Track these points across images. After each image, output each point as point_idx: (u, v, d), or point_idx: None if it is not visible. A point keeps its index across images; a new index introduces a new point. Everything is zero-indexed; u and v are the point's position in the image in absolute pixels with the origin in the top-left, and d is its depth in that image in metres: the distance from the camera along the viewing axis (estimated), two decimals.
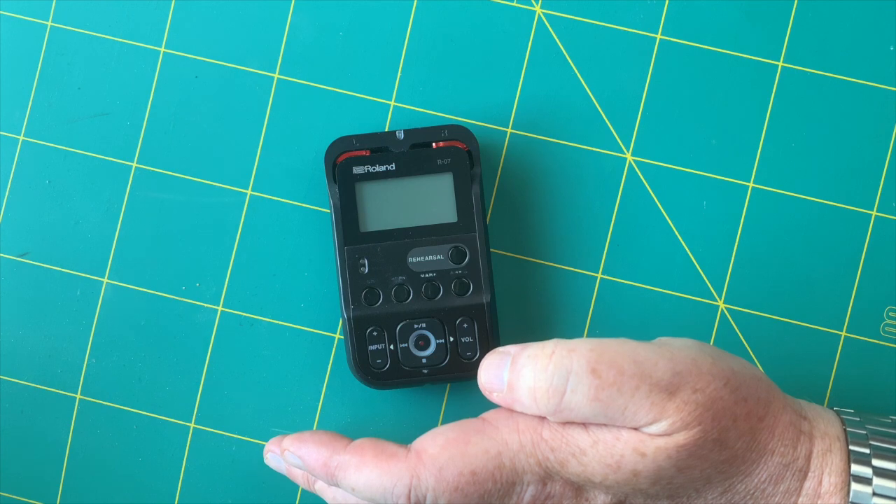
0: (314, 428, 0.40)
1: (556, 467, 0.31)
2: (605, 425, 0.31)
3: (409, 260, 0.37)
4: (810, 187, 0.39)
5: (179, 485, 0.40)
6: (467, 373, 0.37)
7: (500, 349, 0.33)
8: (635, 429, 0.31)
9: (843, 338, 0.39)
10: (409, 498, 0.32)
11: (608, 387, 0.30)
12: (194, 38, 0.40)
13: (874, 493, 0.31)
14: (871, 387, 0.39)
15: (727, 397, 0.31)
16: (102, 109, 0.40)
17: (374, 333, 0.37)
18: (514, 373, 0.32)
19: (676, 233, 0.39)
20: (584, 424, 0.32)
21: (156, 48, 0.40)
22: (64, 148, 0.40)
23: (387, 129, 0.39)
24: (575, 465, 0.31)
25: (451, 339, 0.37)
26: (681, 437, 0.30)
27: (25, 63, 0.40)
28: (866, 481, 0.31)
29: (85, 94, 0.40)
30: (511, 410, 0.33)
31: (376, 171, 0.37)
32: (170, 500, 0.39)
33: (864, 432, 0.32)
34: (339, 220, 0.37)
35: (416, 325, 0.37)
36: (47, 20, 0.40)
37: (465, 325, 0.37)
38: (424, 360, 0.37)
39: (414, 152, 0.37)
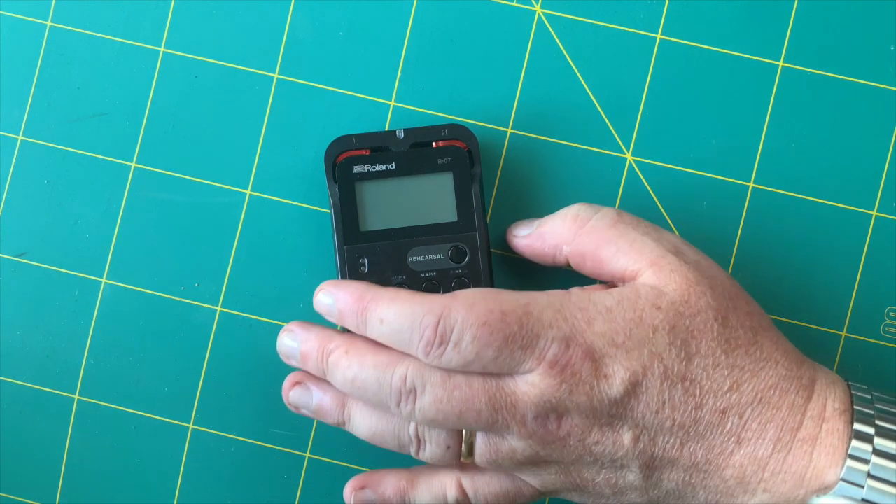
0: (313, 429, 0.39)
1: (582, 326, 0.32)
2: (625, 284, 0.33)
3: (409, 259, 0.37)
4: (810, 187, 0.39)
5: (178, 486, 0.39)
6: None
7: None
8: (652, 286, 0.33)
9: (843, 338, 0.39)
10: (436, 329, 0.32)
11: (627, 223, 0.34)
12: (194, 37, 0.40)
13: (876, 433, 0.31)
14: (871, 387, 0.39)
15: (730, 287, 0.34)
16: (102, 109, 0.40)
17: None
18: (542, 221, 0.37)
19: (676, 233, 0.39)
20: (607, 288, 0.34)
21: (155, 48, 0.40)
22: (63, 148, 0.40)
23: (387, 129, 0.39)
24: (601, 322, 0.32)
25: None
26: (688, 295, 0.32)
27: (25, 63, 0.40)
28: (869, 419, 0.32)
29: (84, 93, 0.40)
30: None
31: (376, 171, 0.37)
32: (168, 500, 0.39)
33: (866, 387, 0.34)
34: (339, 220, 0.37)
35: None
36: (47, 20, 0.40)
37: None
38: None
39: (414, 151, 0.37)
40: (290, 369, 0.39)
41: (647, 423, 0.32)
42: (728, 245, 0.39)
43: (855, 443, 0.31)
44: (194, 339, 0.39)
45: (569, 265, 0.36)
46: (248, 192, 0.40)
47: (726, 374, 0.32)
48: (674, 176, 0.39)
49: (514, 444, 0.33)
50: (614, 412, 0.32)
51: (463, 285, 0.36)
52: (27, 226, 0.40)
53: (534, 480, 0.34)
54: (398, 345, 0.33)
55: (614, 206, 0.39)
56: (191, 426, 0.39)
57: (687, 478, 0.33)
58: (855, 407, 0.32)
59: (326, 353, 0.34)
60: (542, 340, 0.32)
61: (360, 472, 0.39)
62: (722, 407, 0.32)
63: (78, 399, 0.40)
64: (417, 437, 0.34)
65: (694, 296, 0.32)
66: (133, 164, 0.40)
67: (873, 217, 0.39)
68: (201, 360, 0.40)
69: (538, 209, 0.39)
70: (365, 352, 0.34)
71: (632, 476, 0.33)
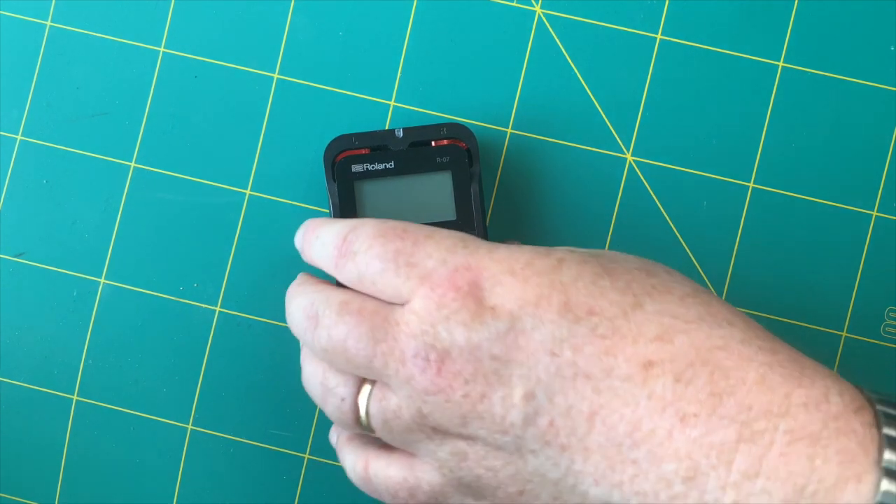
0: (312, 430, 0.39)
1: (481, 254, 0.27)
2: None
3: None
4: (811, 187, 0.39)
5: (177, 487, 0.39)
6: None
7: None
8: None
9: (843, 338, 0.39)
10: (345, 239, 0.30)
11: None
12: (194, 37, 0.40)
13: None
14: (871, 388, 0.38)
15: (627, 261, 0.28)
16: (101, 109, 0.40)
17: None
18: None
19: (676, 233, 0.39)
20: None
21: (155, 48, 0.40)
22: (62, 148, 0.40)
23: (386, 129, 0.39)
24: (503, 251, 0.27)
25: None
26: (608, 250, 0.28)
27: (24, 62, 0.40)
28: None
29: (84, 93, 0.40)
30: None
31: (375, 170, 0.36)
32: (168, 501, 0.39)
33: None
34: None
35: None
36: (46, 20, 0.40)
37: None
38: None
39: (413, 150, 0.37)
40: (289, 372, 0.39)
41: (542, 371, 0.25)
42: (728, 245, 0.39)
43: (890, 454, 0.22)
44: (193, 339, 0.39)
45: None
46: (248, 192, 0.40)
47: (651, 318, 0.24)
48: (674, 176, 0.39)
49: (399, 398, 0.27)
50: (497, 352, 0.25)
51: None
52: (25, 226, 0.40)
53: (430, 469, 0.28)
54: (328, 264, 0.31)
55: (614, 206, 0.39)
56: (190, 427, 0.39)
57: (607, 471, 0.23)
58: (878, 407, 0.23)
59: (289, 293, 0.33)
60: (431, 261, 0.27)
61: None
62: (646, 357, 0.24)
63: (76, 400, 0.39)
64: (322, 384, 0.30)
65: (613, 253, 0.28)
66: (132, 164, 0.40)
67: (873, 217, 0.39)
68: (200, 360, 0.39)
69: (538, 209, 0.39)
70: (306, 285, 0.32)
71: (534, 461, 0.25)
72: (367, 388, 0.29)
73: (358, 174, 0.36)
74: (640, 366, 0.24)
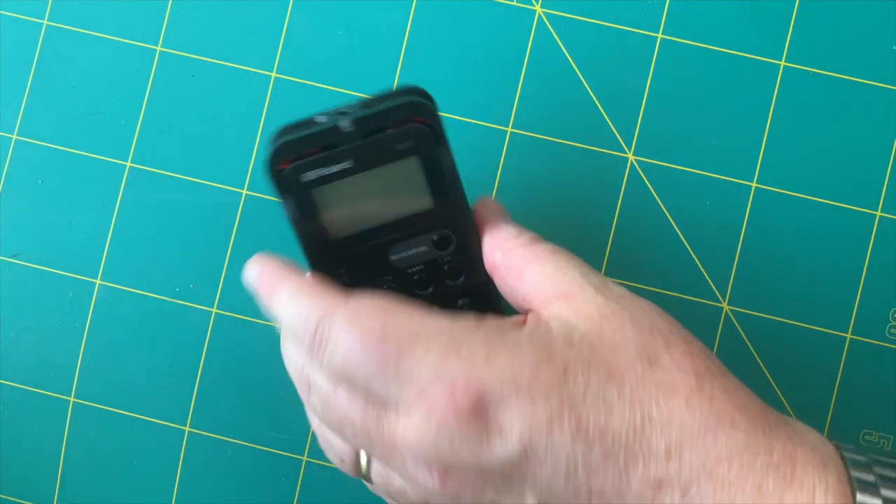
0: (310, 432, 0.39)
1: (479, 364, 0.26)
2: (536, 322, 0.27)
3: (392, 258, 0.32)
4: (813, 187, 0.39)
5: (175, 489, 0.39)
6: None
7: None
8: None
9: (848, 340, 0.38)
10: (315, 332, 0.27)
11: (564, 255, 0.29)
12: (191, 36, 0.39)
13: None
14: (876, 390, 0.38)
15: (661, 322, 0.27)
16: (97, 108, 0.39)
17: None
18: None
19: (679, 233, 0.39)
20: (519, 324, 0.28)
21: (152, 47, 0.39)
22: (58, 147, 0.39)
23: (326, 118, 0.36)
24: (504, 358, 0.26)
25: None
26: (602, 326, 0.26)
27: (20, 61, 0.39)
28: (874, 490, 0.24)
29: (80, 92, 0.39)
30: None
31: (331, 173, 0.30)
32: (165, 503, 0.39)
33: (864, 458, 0.26)
34: (303, 235, 0.32)
35: None
36: (43, 19, 0.40)
37: (468, 305, 0.33)
38: None
39: (369, 141, 0.30)
40: (287, 373, 0.39)
41: (557, 492, 0.25)
42: (731, 246, 0.39)
43: None
44: (190, 340, 0.39)
45: (492, 272, 0.31)
46: (245, 191, 0.39)
47: (660, 432, 0.25)
48: (676, 176, 0.39)
49: (402, 483, 0.27)
50: (510, 473, 0.25)
51: (455, 273, 0.32)
52: (21, 226, 0.39)
53: None
54: (298, 347, 0.28)
55: (616, 206, 0.39)
56: (187, 429, 0.39)
57: None
58: (859, 499, 0.24)
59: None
60: (423, 377, 0.25)
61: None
62: (656, 477, 0.24)
63: (73, 401, 0.39)
64: (321, 435, 0.30)
65: (609, 328, 0.26)
66: (128, 164, 0.39)
67: (877, 217, 0.38)
68: (197, 362, 0.39)
69: (538, 209, 0.39)
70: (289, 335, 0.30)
71: None
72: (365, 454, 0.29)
73: (312, 182, 0.31)
74: (652, 486, 0.24)
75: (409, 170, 0.31)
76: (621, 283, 0.36)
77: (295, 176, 0.30)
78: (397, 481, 0.27)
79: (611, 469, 0.25)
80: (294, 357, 0.29)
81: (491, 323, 0.27)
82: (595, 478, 0.25)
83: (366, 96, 0.31)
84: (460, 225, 0.32)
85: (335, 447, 0.29)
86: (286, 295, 0.29)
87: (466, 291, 0.33)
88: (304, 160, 0.30)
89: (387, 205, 0.31)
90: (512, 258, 0.30)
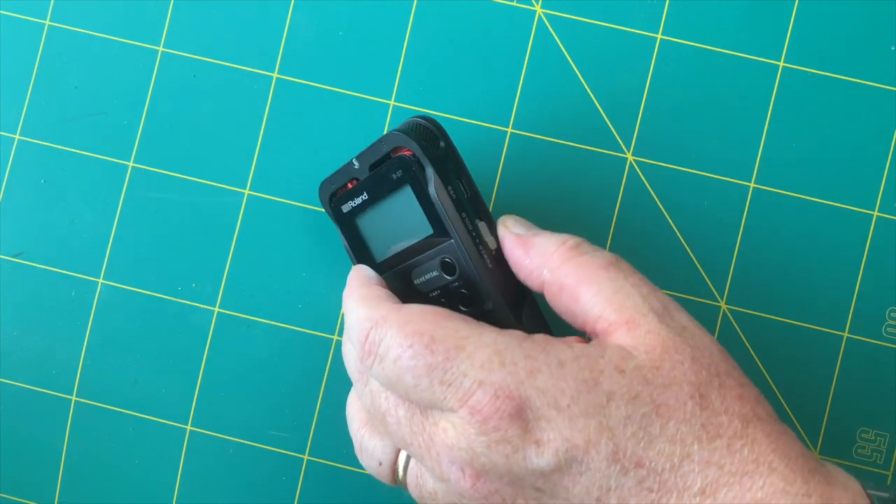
0: (311, 431, 0.39)
1: (521, 376, 0.26)
2: (590, 344, 0.28)
3: (415, 282, 0.34)
4: (811, 187, 0.39)
5: (176, 487, 0.39)
6: None
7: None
8: (621, 346, 0.27)
9: (845, 339, 0.39)
10: (366, 338, 0.29)
11: (622, 269, 0.29)
12: (193, 37, 0.40)
13: None
14: (873, 388, 0.38)
15: (720, 361, 0.27)
16: (99, 109, 0.40)
17: None
18: (537, 231, 0.32)
19: (678, 233, 0.39)
20: (569, 343, 0.28)
21: (154, 47, 0.40)
22: (60, 147, 0.40)
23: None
24: (546, 377, 0.26)
25: None
26: (661, 361, 0.26)
27: (23, 62, 0.40)
28: None
29: (82, 93, 0.40)
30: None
31: (358, 204, 0.35)
32: (167, 502, 0.39)
33: (888, 495, 0.27)
34: (356, 258, 0.36)
35: None
36: (45, 19, 0.40)
37: None
38: None
39: (373, 175, 0.34)
40: (288, 372, 0.39)
41: None
42: (729, 245, 0.39)
43: None
44: (192, 339, 0.39)
45: (541, 292, 0.31)
46: (247, 191, 0.39)
47: (697, 470, 0.25)
48: (674, 176, 0.39)
49: (435, 484, 0.28)
50: (541, 485, 0.26)
51: (464, 299, 0.33)
52: (24, 226, 0.40)
53: None
54: (354, 354, 0.31)
55: (615, 207, 0.39)
56: (189, 428, 0.39)
57: None
58: None
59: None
60: (468, 381, 0.27)
61: (360, 474, 0.39)
62: None
63: (75, 400, 0.39)
64: (360, 442, 0.32)
65: (668, 363, 0.26)
66: (130, 164, 0.40)
67: (874, 217, 0.39)
68: (199, 361, 0.39)
69: (538, 209, 0.39)
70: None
71: None
72: (404, 454, 0.30)
73: (351, 212, 0.35)
74: None
75: (406, 199, 0.33)
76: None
77: (338, 207, 0.35)
78: (430, 483, 0.28)
79: (644, 498, 0.25)
80: (350, 356, 0.31)
81: (538, 338, 0.28)
82: (627, 503, 0.25)
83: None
84: (457, 249, 0.32)
85: (374, 450, 0.31)
86: (352, 302, 0.31)
87: (480, 318, 0.32)
88: (338, 195, 0.35)
89: (399, 232, 0.33)
90: (561, 276, 0.30)
